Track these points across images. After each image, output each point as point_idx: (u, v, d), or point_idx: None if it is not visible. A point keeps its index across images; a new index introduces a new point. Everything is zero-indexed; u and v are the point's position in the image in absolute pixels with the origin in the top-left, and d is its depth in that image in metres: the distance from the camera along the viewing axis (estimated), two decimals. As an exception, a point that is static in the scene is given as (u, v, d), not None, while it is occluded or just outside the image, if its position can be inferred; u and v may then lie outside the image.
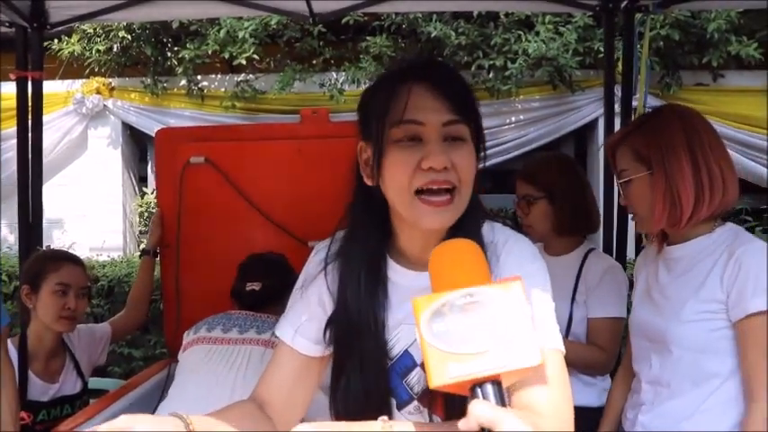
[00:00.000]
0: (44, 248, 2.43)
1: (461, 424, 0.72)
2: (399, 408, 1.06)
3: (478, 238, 0.99)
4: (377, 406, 1.02)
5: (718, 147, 1.44)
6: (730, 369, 1.40)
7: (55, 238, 4.66)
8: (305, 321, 1.10)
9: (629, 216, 1.62)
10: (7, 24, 2.54)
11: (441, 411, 1.04)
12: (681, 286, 1.46)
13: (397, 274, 1.05)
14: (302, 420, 1.12)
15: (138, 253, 4.84)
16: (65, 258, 2.25)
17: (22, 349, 2.16)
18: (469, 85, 1.03)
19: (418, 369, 1.03)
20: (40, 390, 2.17)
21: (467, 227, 0.99)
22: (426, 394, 1.04)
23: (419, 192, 0.95)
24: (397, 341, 1.05)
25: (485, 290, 0.76)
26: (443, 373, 0.73)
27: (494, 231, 1.03)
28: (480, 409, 0.71)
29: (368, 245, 1.05)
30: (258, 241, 2.50)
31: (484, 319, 0.75)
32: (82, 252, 3.87)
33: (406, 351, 1.04)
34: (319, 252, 1.13)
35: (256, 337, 1.98)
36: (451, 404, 1.00)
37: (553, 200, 1.96)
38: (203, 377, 1.91)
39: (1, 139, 4.51)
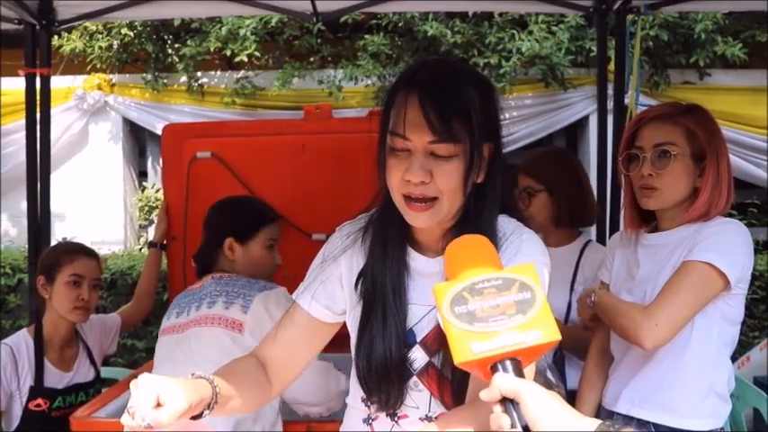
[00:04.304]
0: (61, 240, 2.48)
1: (483, 394, 0.75)
2: None
3: (491, 231, 1.07)
4: (396, 369, 1.10)
5: None
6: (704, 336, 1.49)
7: (57, 232, 4.67)
8: (322, 290, 1.19)
9: (638, 190, 1.55)
10: (16, 21, 2.58)
11: (445, 395, 1.09)
12: (660, 269, 1.53)
13: (411, 259, 1.14)
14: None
15: (139, 246, 4.88)
16: (80, 251, 2.30)
17: (38, 338, 2.20)
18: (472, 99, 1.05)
19: (417, 347, 1.10)
20: (56, 378, 2.22)
21: (477, 221, 1.08)
22: (425, 374, 1.10)
23: (405, 196, 1.06)
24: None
25: (500, 274, 0.81)
26: (467, 351, 0.76)
27: (506, 225, 1.11)
28: (503, 379, 0.74)
29: (392, 231, 1.14)
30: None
31: (501, 300, 0.78)
32: (84, 246, 3.87)
33: (411, 329, 1.12)
34: (343, 229, 1.21)
35: (207, 313, 1.83)
36: (458, 390, 1.06)
37: (552, 192, 2.05)
38: (168, 372, 1.72)
39: (1, 134, 4.52)
